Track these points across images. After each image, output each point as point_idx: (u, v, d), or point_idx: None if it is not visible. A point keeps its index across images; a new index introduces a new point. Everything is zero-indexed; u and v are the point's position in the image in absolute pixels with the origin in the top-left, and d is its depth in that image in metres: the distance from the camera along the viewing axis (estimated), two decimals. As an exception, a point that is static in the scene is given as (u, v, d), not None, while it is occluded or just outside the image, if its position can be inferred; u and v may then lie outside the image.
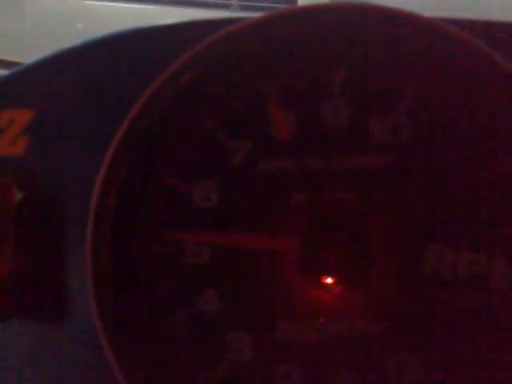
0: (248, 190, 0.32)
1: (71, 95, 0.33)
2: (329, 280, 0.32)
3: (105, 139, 0.28)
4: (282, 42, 0.29)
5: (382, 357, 0.31)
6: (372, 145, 0.31)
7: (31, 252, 0.32)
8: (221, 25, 0.28)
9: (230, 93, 0.31)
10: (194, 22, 0.32)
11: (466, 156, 0.30)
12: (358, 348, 0.31)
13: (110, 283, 0.29)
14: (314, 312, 0.32)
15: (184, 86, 0.29)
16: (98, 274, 0.28)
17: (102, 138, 0.29)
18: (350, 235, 0.32)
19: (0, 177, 0.32)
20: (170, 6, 1.10)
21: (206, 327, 0.32)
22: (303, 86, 0.31)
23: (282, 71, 0.31)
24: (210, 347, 0.32)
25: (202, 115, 0.31)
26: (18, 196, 0.32)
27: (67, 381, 0.33)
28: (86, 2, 1.16)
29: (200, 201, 0.32)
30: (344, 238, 0.32)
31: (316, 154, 0.31)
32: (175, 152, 0.31)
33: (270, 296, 0.32)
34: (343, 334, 0.31)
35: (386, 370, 0.31)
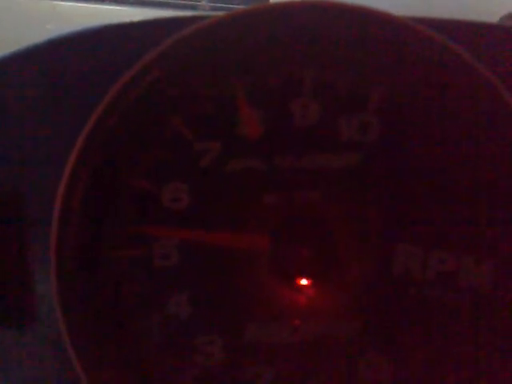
0: (218, 191, 0.31)
1: (34, 94, 0.32)
2: (303, 281, 0.32)
3: (69, 139, 0.27)
4: (251, 39, 0.29)
5: (354, 357, 0.31)
6: (341, 144, 0.31)
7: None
8: (188, 22, 0.28)
9: (198, 92, 0.31)
10: (160, 19, 0.32)
11: (435, 155, 0.31)
12: (329, 348, 0.31)
13: (75, 287, 0.28)
14: (286, 314, 0.32)
15: (151, 84, 0.29)
16: (63, 278, 0.27)
17: (66, 137, 0.28)
18: (319, 235, 0.32)
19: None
20: (139, 7, 1.09)
21: (176, 330, 0.31)
22: (272, 84, 0.31)
23: (251, 69, 0.30)
24: (181, 350, 0.31)
25: (169, 115, 0.31)
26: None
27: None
28: (56, 2, 1.15)
29: (169, 202, 0.31)
30: (314, 238, 0.32)
31: (285, 153, 0.31)
32: (142, 153, 0.31)
33: (241, 298, 0.32)
34: (315, 335, 0.31)
35: (358, 370, 0.31)
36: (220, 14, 0.28)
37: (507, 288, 0.30)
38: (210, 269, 0.32)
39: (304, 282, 0.32)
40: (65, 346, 0.27)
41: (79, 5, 1.14)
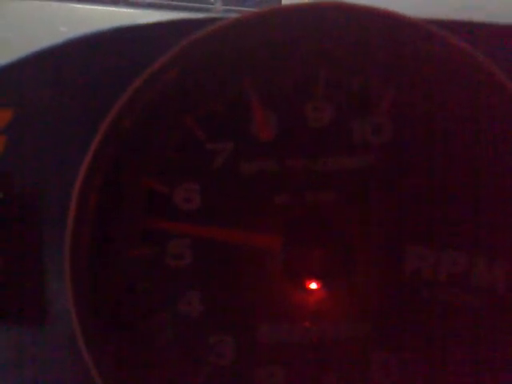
0: (230, 192, 0.32)
1: (50, 95, 0.32)
2: (313, 284, 0.32)
3: (85, 139, 0.28)
4: (265, 41, 0.29)
5: (366, 357, 0.31)
6: (354, 146, 0.31)
7: (9, 254, 0.32)
8: (203, 24, 0.28)
9: (212, 93, 0.31)
10: (174, 21, 0.32)
11: (447, 156, 0.31)
12: (341, 348, 0.31)
13: (89, 285, 0.29)
14: (297, 314, 0.32)
15: (165, 85, 0.29)
16: (77, 276, 0.28)
17: (81, 138, 0.28)
18: (331, 236, 0.32)
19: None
20: (153, 9, 1.09)
21: (188, 329, 0.31)
22: (286, 85, 0.31)
23: (265, 71, 0.31)
24: (193, 350, 0.31)
25: (183, 116, 0.31)
26: (-4, 197, 0.32)
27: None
28: (70, 4, 1.16)
29: (181, 202, 0.31)
30: (325, 239, 0.32)
31: (298, 155, 0.31)
32: (156, 153, 0.31)
33: (253, 298, 0.32)
34: (326, 335, 0.31)
35: (370, 370, 0.31)
36: (233, 16, 0.28)
37: None
38: (222, 269, 0.32)
39: (315, 283, 0.32)
40: (79, 344, 0.27)
41: (93, 8, 1.15)
